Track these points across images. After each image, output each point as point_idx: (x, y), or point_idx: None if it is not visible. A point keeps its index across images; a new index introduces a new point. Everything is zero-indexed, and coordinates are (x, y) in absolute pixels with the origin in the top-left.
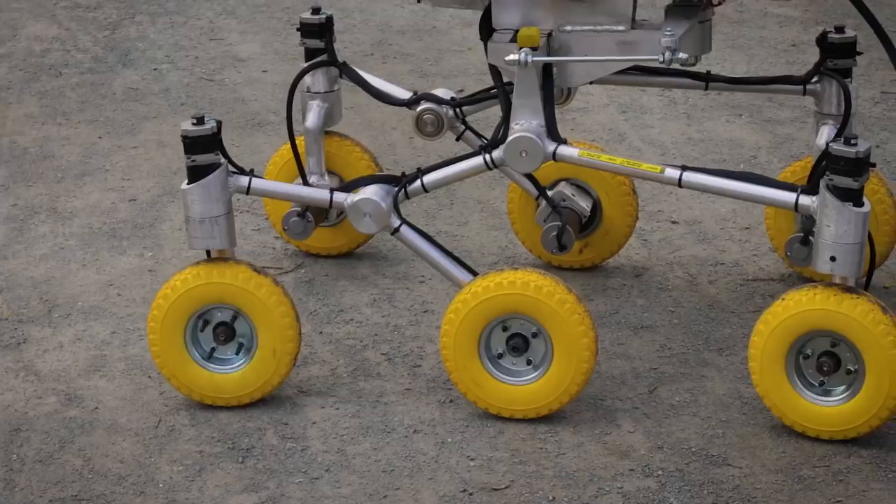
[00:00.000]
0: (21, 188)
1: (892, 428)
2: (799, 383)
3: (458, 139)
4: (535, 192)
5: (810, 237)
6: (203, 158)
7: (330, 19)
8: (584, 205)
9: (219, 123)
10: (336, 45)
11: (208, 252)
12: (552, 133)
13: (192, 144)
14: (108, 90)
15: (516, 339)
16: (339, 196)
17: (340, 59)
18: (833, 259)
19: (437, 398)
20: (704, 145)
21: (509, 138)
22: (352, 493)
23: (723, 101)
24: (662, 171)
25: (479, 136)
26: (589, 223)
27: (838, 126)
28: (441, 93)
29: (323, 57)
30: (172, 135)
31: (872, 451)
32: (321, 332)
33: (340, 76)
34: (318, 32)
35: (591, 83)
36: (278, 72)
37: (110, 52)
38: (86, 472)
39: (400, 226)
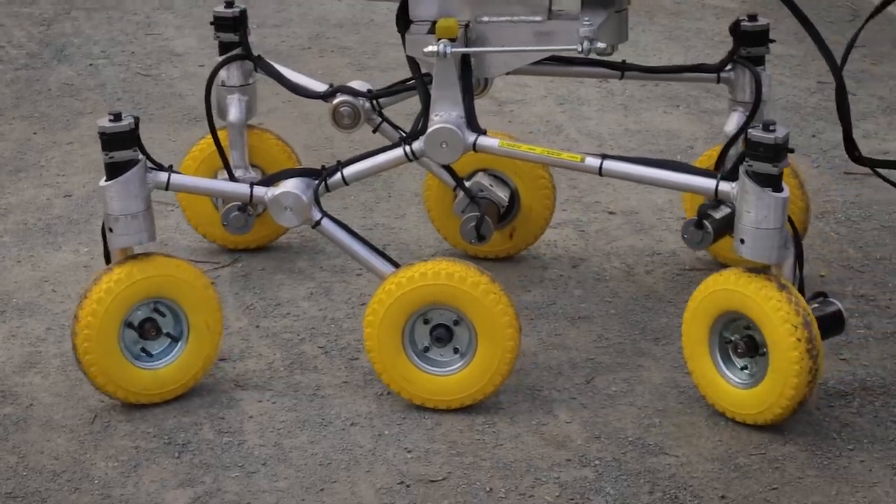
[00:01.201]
0: None
1: (826, 415)
2: (721, 364)
3: (374, 131)
4: (452, 182)
5: (704, 220)
6: (121, 155)
7: (244, 13)
8: (502, 195)
9: (136, 119)
10: (274, 40)
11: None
12: (472, 124)
13: (110, 141)
14: (43, 86)
15: (439, 330)
16: (260, 190)
17: (256, 53)
18: (742, 241)
19: (374, 391)
20: (641, 136)
21: (429, 129)
22: (288, 487)
23: (660, 93)
24: (583, 160)
25: (396, 128)
26: (507, 213)
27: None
28: (357, 85)
29: (238, 50)
30: None
31: (808, 439)
32: (258, 327)
33: (255, 70)
34: (232, 26)
35: (508, 73)
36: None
37: (45, 47)
38: (20, 469)
39: (321, 219)
